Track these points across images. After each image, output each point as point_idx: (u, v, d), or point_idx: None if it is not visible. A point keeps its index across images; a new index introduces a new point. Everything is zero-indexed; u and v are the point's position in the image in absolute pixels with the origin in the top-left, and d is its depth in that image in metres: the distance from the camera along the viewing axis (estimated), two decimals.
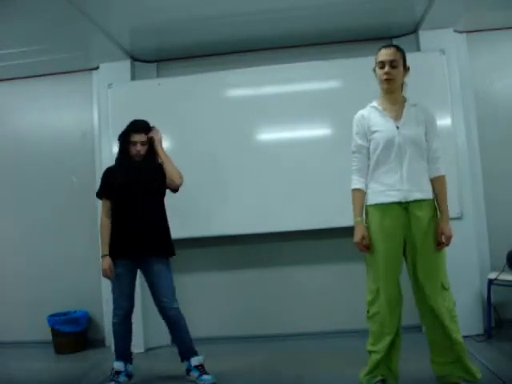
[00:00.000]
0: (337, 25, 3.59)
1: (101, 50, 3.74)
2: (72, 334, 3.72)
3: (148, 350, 3.71)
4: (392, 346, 2.41)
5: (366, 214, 2.46)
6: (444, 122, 3.52)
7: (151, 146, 2.98)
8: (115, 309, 2.92)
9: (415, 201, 2.35)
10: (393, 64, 2.38)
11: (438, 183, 2.41)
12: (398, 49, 2.45)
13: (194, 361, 2.89)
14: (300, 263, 3.81)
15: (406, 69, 2.47)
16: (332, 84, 3.75)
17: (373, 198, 2.42)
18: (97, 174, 3.94)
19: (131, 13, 3.20)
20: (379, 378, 2.41)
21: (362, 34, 3.75)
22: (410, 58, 3.56)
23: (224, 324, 3.81)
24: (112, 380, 2.88)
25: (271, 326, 3.77)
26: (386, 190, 2.38)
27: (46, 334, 3.78)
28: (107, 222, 2.92)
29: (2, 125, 4.18)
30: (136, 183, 2.87)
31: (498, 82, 3.75)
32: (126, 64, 3.91)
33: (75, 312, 3.86)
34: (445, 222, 2.38)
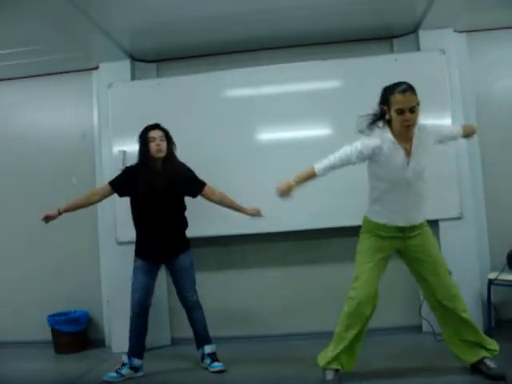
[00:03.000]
0: (337, 25, 3.59)
1: (101, 50, 3.75)
2: (72, 334, 3.72)
3: (148, 350, 3.69)
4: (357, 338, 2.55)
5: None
6: (444, 122, 3.52)
7: (169, 145, 3.09)
8: (131, 301, 3.05)
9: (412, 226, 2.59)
10: (412, 110, 2.40)
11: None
12: (413, 90, 2.43)
13: (207, 348, 3.11)
14: (300, 263, 3.81)
15: (419, 104, 2.46)
16: (332, 84, 3.75)
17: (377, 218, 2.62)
18: (97, 174, 3.95)
19: (131, 13, 3.20)
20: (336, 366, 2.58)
21: (362, 33, 3.75)
22: (410, 58, 3.62)
23: (224, 324, 3.80)
24: (115, 370, 2.97)
25: (271, 325, 3.77)
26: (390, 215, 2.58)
27: (46, 334, 3.78)
28: (89, 197, 3.13)
29: (1, 125, 4.18)
30: (157, 194, 2.97)
31: (498, 81, 3.75)
32: (126, 64, 3.91)
33: (75, 312, 3.85)
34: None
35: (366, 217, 2.66)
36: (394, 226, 2.56)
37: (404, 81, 2.46)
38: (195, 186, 3.15)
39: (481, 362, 2.57)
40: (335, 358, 2.56)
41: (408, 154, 2.49)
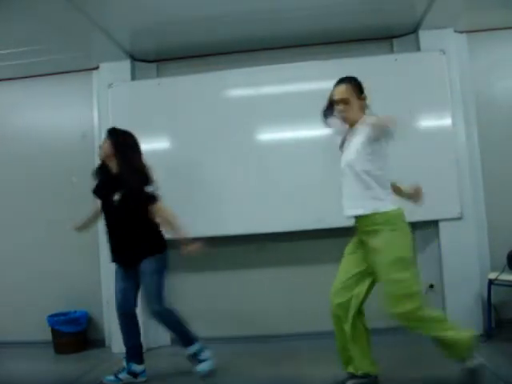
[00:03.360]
0: (337, 25, 3.59)
1: (101, 50, 3.74)
2: (72, 334, 3.72)
3: (148, 350, 3.70)
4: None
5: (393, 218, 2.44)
6: (444, 122, 3.52)
7: (123, 155, 2.93)
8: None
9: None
10: (345, 101, 2.48)
11: None
12: (349, 82, 2.52)
13: (188, 351, 2.95)
14: (300, 263, 3.81)
15: (362, 97, 2.52)
16: (332, 84, 3.70)
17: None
18: None
19: (131, 13, 3.20)
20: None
21: (362, 34, 3.75)
22: (410, 58, 3.62)
23: (224, 324, 3.80)
24: (114, 374, 2.95)
25: (271, 326, 3.77)
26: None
27: (46, 334, 3.78)
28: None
29: (1, 125, 4.18)
30: (110, 202, 2.91)
31: (498, 82, 3.75)
32: (126, 64, 3.91)
33: (75, 312, 3.85)
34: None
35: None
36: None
37: (351, 75, 2.58)
38: (143, 199, 2.92)
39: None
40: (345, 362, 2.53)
41: (344, 141, 2.56)
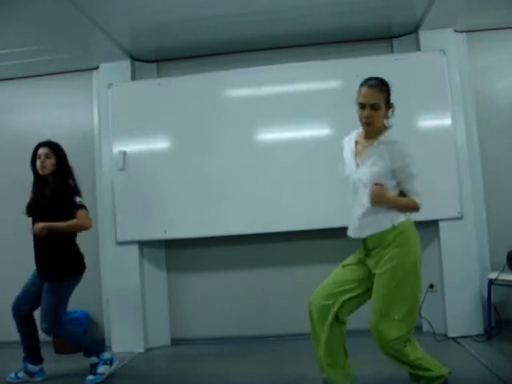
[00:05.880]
0: (337, 25, 3.59)
1: (101, 50, 3.74)
2: None
3: (148, 350, 3.71)
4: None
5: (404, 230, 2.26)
6: (444, 122, 3.52)
7: (62, 166, 3.05)
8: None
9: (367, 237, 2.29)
10: (374, 107, 2.23)
11: None
12: (383, 86, 2.26)
13: (88, 360, 3.06)
14: (300, 263, 3.81)
15: (390, 106, 2.29)
16: (332, 84, 3.75)
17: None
18: (97, 174, 3.95)
19: (131, 13, 3.20)
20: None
21: (362, 34, 3.75)
22: (410, 58, 3.62)
23: (224, 324, 3.81)
24: (15, 372, 3.12)
25: (271, 326, 3.77)
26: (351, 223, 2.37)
27: None
28: None
29: (1, 124, 4.18)
30: (33, 209, 3.02)
31: (498, 82, 3.75)
32: (126, 64, 3.91)
33: (75, 312, 3.85)
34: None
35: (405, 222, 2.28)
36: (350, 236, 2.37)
37: (382, 78, 2.30)
38: (66, 208, 2.96)
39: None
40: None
41: (359, 153, 2.32)
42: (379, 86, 2.25)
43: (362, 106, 2.25)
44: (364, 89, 2.25)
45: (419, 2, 3.29)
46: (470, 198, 3.54)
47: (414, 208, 2.28)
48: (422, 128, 3.56)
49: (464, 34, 3.72)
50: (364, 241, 2.33)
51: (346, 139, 2.46)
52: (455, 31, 3.67)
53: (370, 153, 2.29)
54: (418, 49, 3.69)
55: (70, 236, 3.03)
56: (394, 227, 2.23)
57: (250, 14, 3.33)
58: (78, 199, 2.99)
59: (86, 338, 3.21)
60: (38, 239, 3.00)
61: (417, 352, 2.29)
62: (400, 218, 2.26)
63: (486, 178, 3.66)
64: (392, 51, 3.84)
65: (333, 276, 2.43)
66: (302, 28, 3.60)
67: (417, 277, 2.25)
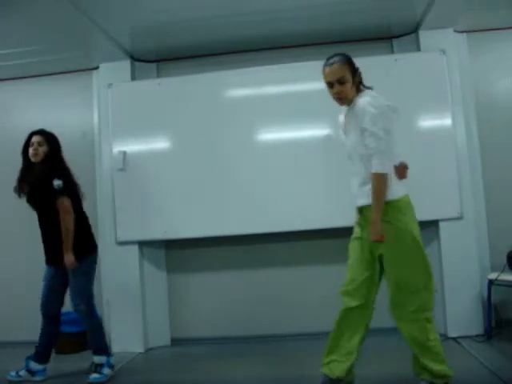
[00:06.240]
0: (337, 25, 3.59)
1: (101, 50, 3.74)
2: (72, 334, 3.71)
3: (148, 350, 3.71)
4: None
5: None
6: (444, 121, 3.52)
7: (53, 155, 3.06)
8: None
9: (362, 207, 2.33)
10: (341, 81, 2.28)
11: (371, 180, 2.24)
12: (342, 59, 2.31)
13: (95, 359, 3.04)
14: (300, 263, 3.81)
15: (356, 73, 2.33)
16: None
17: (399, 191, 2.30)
18: (97, 174, 3.95)
19: (131, 13, 3.20)
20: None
21: (362, 34, 3.75)
22: (410, 58, 3.62)
23: (224, 324, 3.81)
24: (16, 371, 3.08)
25: (271, 326, 3.77)
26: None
27: None
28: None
29: (1, 125, 4.18)
30: (28, 198, 3.06)
31: (498, 81, 3.75)
32: (126, 64, 3.91)
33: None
34: (371, 224, 2.23)
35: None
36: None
37: (341, 53, 2.36)
38: (48, 195, 2.94)
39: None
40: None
41: (345, 125, 2.40)
42: (339, 61, 2.31)
43: (330, 84, 2.32)
44: (327, 68, 2.33)
45: (419, 2, 3.29)
46: (470, 198, 3.54)
47: (380, 181, 2.19)
48: (422, 128, 3.56)
49: (464, 34, 3.72)
50: (360, 210, 2.36)
51: (340, 115, 2.50)
52: (455, 31, 3.67)
53: (348, 122, 2.37)
54: (418, 49, 3.69)
55: (76, 220, 2.98)
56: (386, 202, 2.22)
57: (250, 14, 3.33)
58: (56, 183, 2.93)
59: (104, 335, 3.17)
60: (45, 231, 3.02)
61: (436, 335, 2.33)
62: (395, 194, 2.24)
63: (486, 178, 3.65)
64: (392, 51, 3.84)
65: (351, 268, 2.42)
66: (302, 28, 3.60)
67: (419, 248, 2.29)
